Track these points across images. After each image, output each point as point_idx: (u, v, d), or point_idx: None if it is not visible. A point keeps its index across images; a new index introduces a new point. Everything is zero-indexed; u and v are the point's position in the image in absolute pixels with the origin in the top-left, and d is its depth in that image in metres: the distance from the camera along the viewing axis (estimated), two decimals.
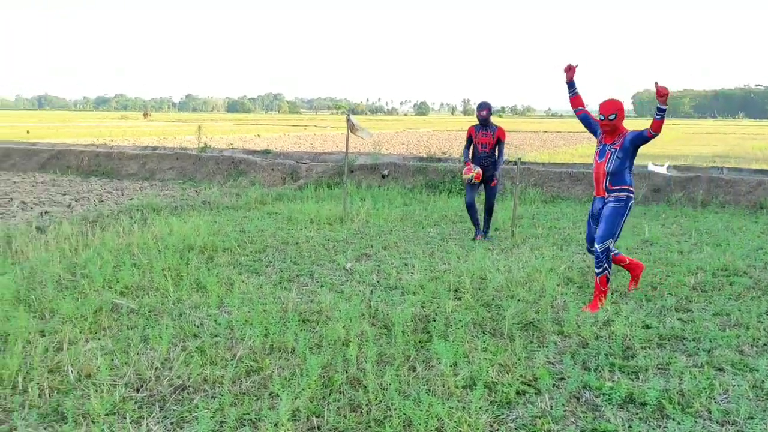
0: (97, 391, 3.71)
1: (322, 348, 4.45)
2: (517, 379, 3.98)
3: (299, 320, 5.04)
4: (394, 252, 7.59)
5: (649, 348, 4.56)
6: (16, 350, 4.11)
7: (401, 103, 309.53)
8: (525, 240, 8.40)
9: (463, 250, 7.70)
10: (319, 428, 3.40)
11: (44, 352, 4.25)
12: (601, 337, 4.78)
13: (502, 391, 3.80)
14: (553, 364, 4.30)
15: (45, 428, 3.34)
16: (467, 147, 8.34)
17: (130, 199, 11.73)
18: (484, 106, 8.25)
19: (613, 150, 5.44)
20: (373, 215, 9.84)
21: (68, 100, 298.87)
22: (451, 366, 4.05)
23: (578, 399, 3.78)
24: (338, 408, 3.59)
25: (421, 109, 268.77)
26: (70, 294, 5.50)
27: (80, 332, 4.67)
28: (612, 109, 5.38)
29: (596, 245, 5.48)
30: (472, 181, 8.11)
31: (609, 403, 3.68)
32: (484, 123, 8.20)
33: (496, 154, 8.28)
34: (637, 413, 3.59)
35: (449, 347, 4.29)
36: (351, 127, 9.68)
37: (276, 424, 3.36)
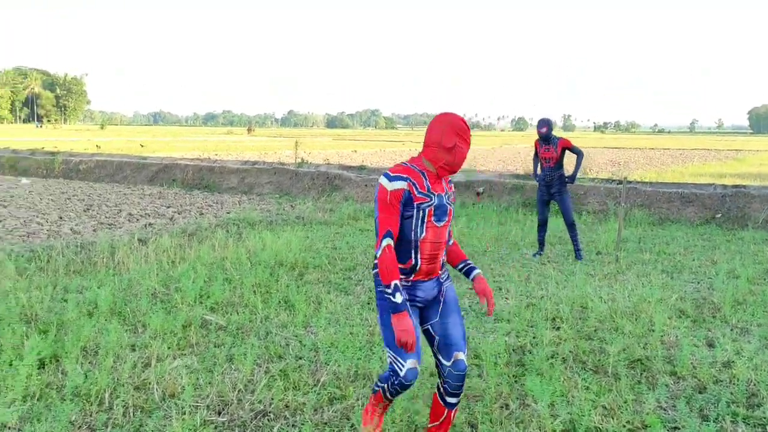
0: (179, 412, 3.65)
1: None
2: (624, 426, 3.58)
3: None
4: (486, 275, 7.25)
5: None
6: (106, 365, 4.13)
7: (498, 119, 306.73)
8: (631, 266, 7.82)
9: (561, 275, 7.25)
10: None
11: (132, 368, 4.25)
12: (721, 381, 4.25)
13: None
14: (665, 409, 3.85)
15: None
16: (534, 157, 8.50)
17: (228, 213, 12.00)
18: (544, 124, 8.18)
19: (450, 205, 3.11)
20: (465, 234, 9.53)
21: (180, 116, 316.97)
22: (548, 406, 3.70)
23: None
24: None
25: (519, 125, 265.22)
26: (162, 308, 5.56)
27: (168, 348, 4.66)
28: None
29: (462, 356, 3.08)
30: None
31: None
32: (545, 139, 8.14)
33: (563, 168, 8.33)
34: None
35: (546, 384, 3.95)
36: None
37: None
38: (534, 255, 8.38)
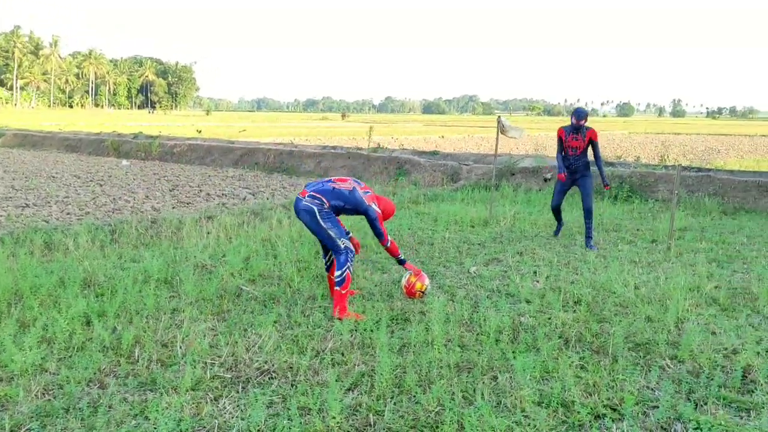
0: (193, 367, 4.09)
1: (408, 348, 4.47)
2: (602, 402, 3.69)
3: (401, 319, 5.11)
4: (527, 258, 7.34)
5: None
6: (140, 325, 4.65)
7: (602, 104, 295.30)
8: (681, 254, 7.66)
9: (603, 261, 7.23)
10: (373, 425, 3.45)
11: (165, 329, 4.76)
12: (723, 366, 4.24)
13: (579, 412, 3.55)
14: (652, 390, 3.91)
15: (132, 395, 3.76)
16: (559, 152, 8.35)
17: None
18: (582, 116, 8.14)
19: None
20: (520, 220, 9.58)
21: (282, 102, 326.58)
22: (529, 379, 3.87)
23: (666, 430, 3.42)
24: (398, 409, 3.61)
25: (624, 111, 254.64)
26: (207, 278, 6.08)
27: (201, 313, 5.16)
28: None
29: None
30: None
31: None
32: (577, 129, 8.15)
33: (588, 156, 8.32)
34: None
35: (537, 360, 4.10)
36: (501, 129, 9.52)
37: (324, 417, 3.46)
38: (555, 234, 8.82)
